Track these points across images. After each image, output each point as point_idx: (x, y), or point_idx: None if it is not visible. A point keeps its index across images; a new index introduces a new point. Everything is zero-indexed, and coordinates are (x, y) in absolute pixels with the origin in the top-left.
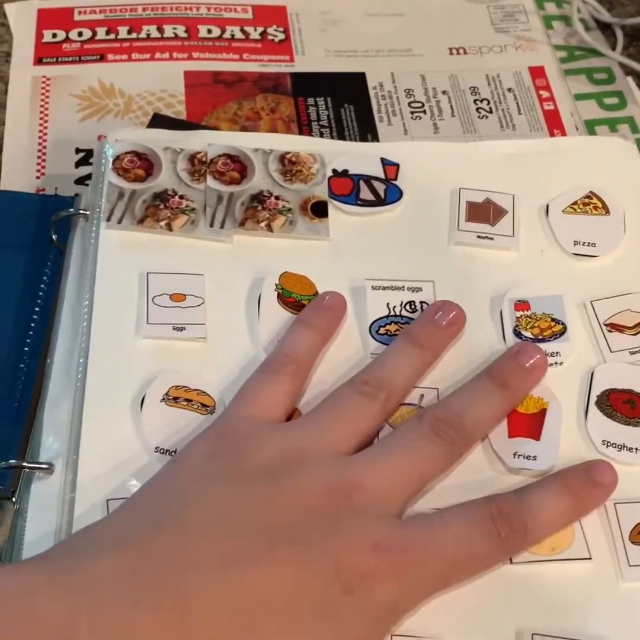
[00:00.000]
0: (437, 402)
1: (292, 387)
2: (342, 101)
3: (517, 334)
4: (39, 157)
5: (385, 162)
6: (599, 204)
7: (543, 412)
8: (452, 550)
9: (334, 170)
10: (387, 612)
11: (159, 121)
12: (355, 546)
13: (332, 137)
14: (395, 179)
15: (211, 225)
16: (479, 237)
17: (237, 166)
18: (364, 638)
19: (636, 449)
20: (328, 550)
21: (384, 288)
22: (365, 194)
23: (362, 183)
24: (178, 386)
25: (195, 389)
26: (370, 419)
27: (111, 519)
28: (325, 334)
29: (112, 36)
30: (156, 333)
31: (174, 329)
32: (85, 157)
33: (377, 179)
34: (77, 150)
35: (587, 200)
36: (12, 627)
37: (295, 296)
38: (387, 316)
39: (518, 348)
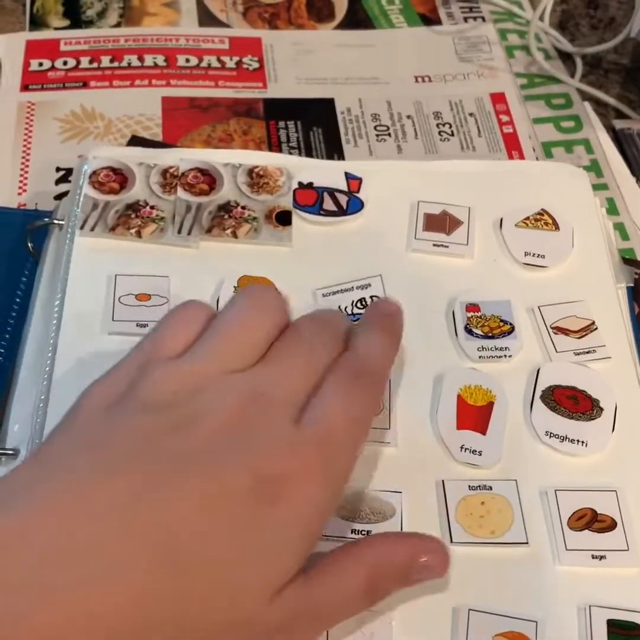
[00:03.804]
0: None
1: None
2: (311, 124)
3: (469, 331)
4: (21, 176)
5: (348, 176)
6: (550, 221)
7: (491, 405)
8: (360, 421)
9: (300, 183)
10: (315, 514)
11: (136, 142)
12: (268, 453)
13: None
14: (358, 191)
15: (179, 232)
16: (434, 245)
17: (206, 179)
18: (298, 548)
19: (578, 440)
20: (241, 465)
21: (334, 293)
22: (328, 204)
23: (325, 195)
24: None
25: None
26: (262, 334)
27: (17, 472)
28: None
29: (95, 65)
30: (121, 329)
31: (137, 325)
32: (65, 175)
33: (340, 191)
34: (58, 169)
35: (538, 217)
36: None
37: None
38: None
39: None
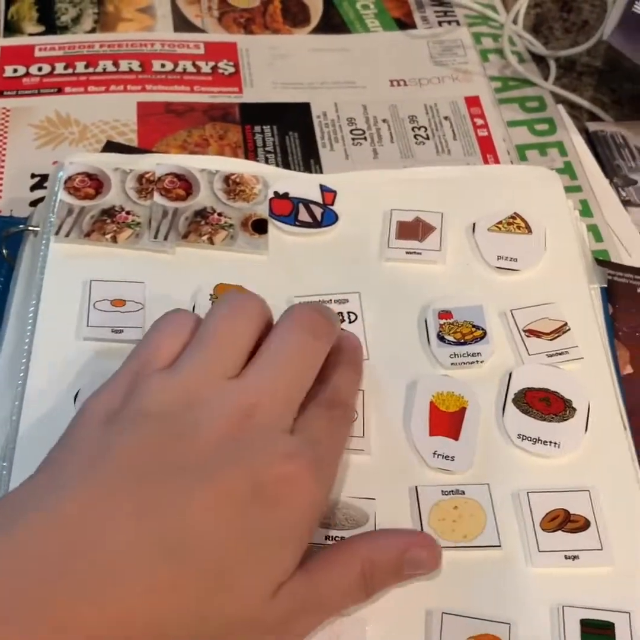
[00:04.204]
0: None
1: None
2: (287, 129)
3: (441, 338)
4: None
5: (323, 188)
6: (522, 224)
7: (463, 411)
8: (340, 443)
9: (276, 193)
10: (309, 515)
11: (111, 148)
12: (268, 460)
13: (276, 162)
14: (332, 204)
15: (155, 237)
16: (407, 252)
17: (183, 184)
18: (296, 546)
19: (550, 442)
20: (243, 472)
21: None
22: (303, 216)
23: (301, 206)
24: None
25: None
26: (248, 339)
27: (25, 486)
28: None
29: (70, 71)
30: (95, 335)
31: (112, 331)
32: (40, 182)
33: (315, 203)
34: (33, 176)
35: (511, 220)
36: None
37: None
38: None
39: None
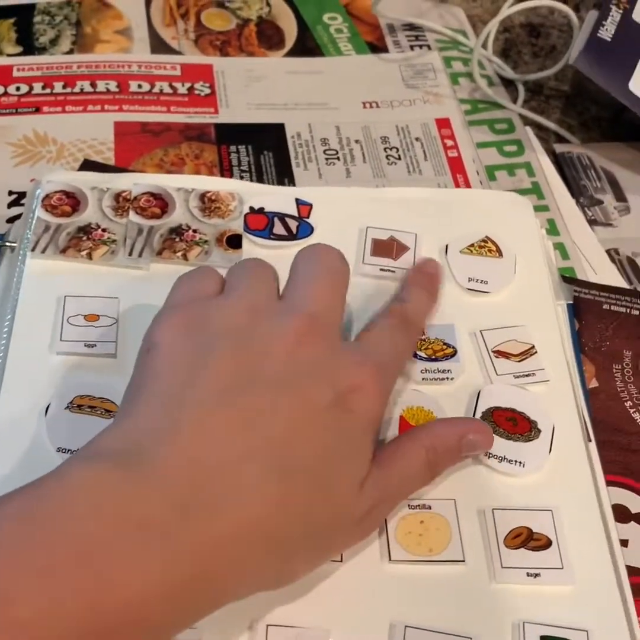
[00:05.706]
0: None
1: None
2: (262, 148)
3: (414, 354)
4: None
5: (299, 202)
6: (494, 248)
7: None
8: (401, 355)
9: (251, 208)
10: (377, 417)
11: (88, 166)
12: (340, 369)
13: (251, 181)
14: (308, 217)
15: (130, 254)
16: (381, 269)
17: (159, 203)
18: (370, 444)
19: (516, 461)
20: (322, 382)
21: None
22: (279, 229)
23: (276, 220)
24: (83, 396)
25: (100, 397)
26: (275, 280)
27: (127, 421)
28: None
29: (48, 91)
30: (69, 349)
31: (85, 345)
32: (17, 199)
33: (290, 216)
34: (10, 193)
35: (482, 244)
36: (108, 528)
37: None
38: None
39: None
